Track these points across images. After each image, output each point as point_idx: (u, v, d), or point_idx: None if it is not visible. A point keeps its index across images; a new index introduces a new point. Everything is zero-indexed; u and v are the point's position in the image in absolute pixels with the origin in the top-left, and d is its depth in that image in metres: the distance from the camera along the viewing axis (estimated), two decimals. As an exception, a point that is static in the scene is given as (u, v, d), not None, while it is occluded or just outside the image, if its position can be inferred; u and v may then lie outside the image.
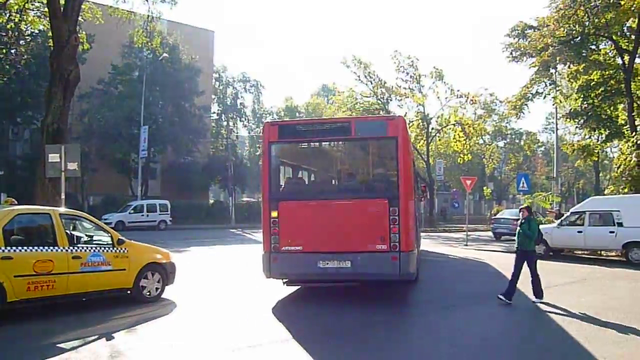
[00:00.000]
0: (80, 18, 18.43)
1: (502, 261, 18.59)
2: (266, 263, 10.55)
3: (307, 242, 10.40)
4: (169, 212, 37.09)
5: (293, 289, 11.49)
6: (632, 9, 22.75)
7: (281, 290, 11.20)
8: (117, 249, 9.68)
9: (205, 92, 49.16)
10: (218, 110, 60.35)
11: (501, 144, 68.34)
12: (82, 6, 18.23)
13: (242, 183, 53.31)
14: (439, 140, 56.35)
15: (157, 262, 10.47)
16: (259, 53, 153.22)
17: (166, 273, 10.57)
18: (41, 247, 8.54)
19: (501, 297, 10.11)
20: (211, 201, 54.24)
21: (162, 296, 10.46)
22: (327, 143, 12.08)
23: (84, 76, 19.29)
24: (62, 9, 16.59)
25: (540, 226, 21.73)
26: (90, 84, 38.40)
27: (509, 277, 10.30)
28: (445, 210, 59.11)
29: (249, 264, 17.46)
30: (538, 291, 10.41)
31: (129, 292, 9.97)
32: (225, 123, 59.77)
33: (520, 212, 10.91)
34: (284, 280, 11.09)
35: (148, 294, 10.17)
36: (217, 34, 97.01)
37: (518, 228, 10.53)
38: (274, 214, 10.50)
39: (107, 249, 9.55)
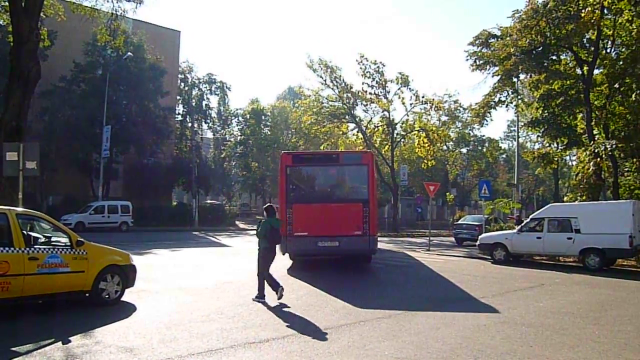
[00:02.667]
0: (42, 14, 18.02)
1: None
2: (283, 244, 15.11)
3: (310, 229, 16.06)
4: (130, 213, 36.49)
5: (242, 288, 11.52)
6: (592, 21, 23.36)
7: (236, 296, 11.16)
8: (76, 250, 9.46)
9: (170, 92, 48.45)
10: (183, 111, 59.67)
11: (464, 150, 69.29)
12: (44, 2, 17.83)
13: (206, 185, 52.70)
14: (404, 145, 56.90)
15: (117, 264, 10.27)
16: (226, 55, 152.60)
17: (126, 275, 10.39)
18: (-4, 248, 8.28)
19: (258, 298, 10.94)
20: (174, 203, 53.55)
21: (122, 299, 10.29)
22: (324, 167, 18.01)
23: (45, 73, 18.89)
24: (23, 4, 16.20)
25: (501, 232, 22.33)
26: (51, 82, 37.53)
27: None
28: (421, 214, 58.73)
29: (210, 267, 17.38)
30: (259, 290, 11.01)
31: (87, 294, 9.77)
32: (190, 124, 59.15)
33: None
34: (296, 254, 17.46)
35: (107, 296, 9.97)
36: (184, 34, 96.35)
37: None
38: (289, 211, 16.27)
39: (65, 250, 9.33)
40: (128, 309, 9.74)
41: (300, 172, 18.06)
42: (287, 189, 16.92)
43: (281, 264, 17.69)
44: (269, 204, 12.68)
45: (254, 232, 11.73)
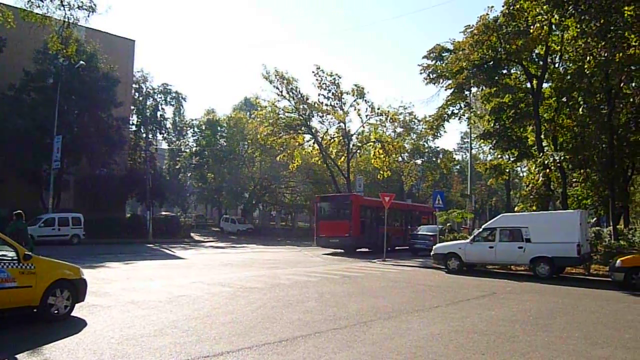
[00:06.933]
0: (-10, 21, 17.53)
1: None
2: (315, 240, 33.84)
3: (326, 233, 32.44)
4: (82, 226, 35.63)
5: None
6: (540, 37, 24.12)
7: (190, 309, 10.99)
8: (23, 264, 9.16)
9: (124, 102, 47.52)
10: (137, 121, 58.64)
11: (419, 161, 70.27)
12: (-8, 9, 17.35)
13: (160, 197, 51.77)
14: (360, 156, 57.39)
15: (66, 278, 9.99)
16: (181, 65, 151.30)
17: (76, 290, 10.11)
18: (-62, 263, 7.97)
19: None
20: (128, 215, 52.50)
21: (72, 314, 10.01)
22: (331, 201, 35.40)
23: (-8, 82, 18.34)
24: (-30, 10, 15.73)
25: (455, 242, 22.69)
26: (0, 90, 36.42)
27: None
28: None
29: (164, 280, 17.07)
30: None
31: (35, 310, 9.48)
32: (144, 135, 58.21)
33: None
34: (321, 246, 33.31)
35: (56, 312, 9.68)
36: (138, 43, 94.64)
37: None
38: (317, 224, 34.26)
39: (12, 264, 9.02)
40: (78, 325, 9.47)
41: (322, 205, 34.85)
42: (316, 213, 35.43)
43: (233, 275, 17.59)
44: (19, 210, 15.10)
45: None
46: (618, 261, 16.56)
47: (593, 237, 24.02)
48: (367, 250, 32.70)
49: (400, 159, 60.68)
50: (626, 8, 18.74)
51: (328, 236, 32.25)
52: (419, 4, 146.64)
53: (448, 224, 28.86)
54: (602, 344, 8.64)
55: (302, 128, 46.82)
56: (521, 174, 58.23)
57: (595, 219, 37.13)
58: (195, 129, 65.84)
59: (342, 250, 32.62)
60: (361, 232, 32.08)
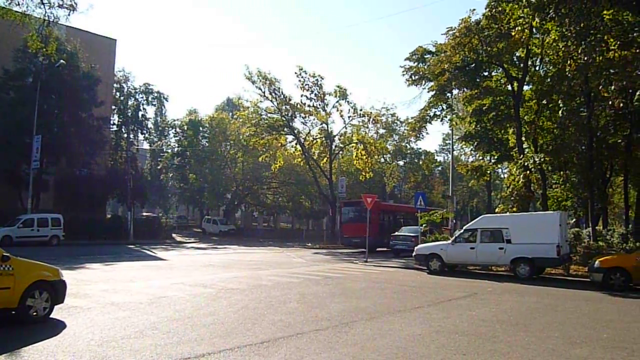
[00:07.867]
0: (-33, 19, 17.29)
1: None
2: (341, 240, 41.54)
3: (349, 234, 38.40)
4: (62, 226, 35.20)
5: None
6: (522, 40, 24.33)
7: (171, 311, 10.92)
8: (1, 265, 9.03)
9: (105, 102, 46.99)
10: (118, 121, 58.08)
11: (401, 163, 70.54)
12: (-30, 6, 17.12)
13: (141, 197, 51.34)
14: (342, 157, 57.46)
15: (45, 279, 9.85)
16: (163, 65, 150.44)
17: (55, 291, 9.98)
18: None
19: None
20: (108, 216, 52.01)
21: (51, 316, 9.88)
22: (353, 207, 39.51)
23: (-30, 81, 18.10)
24: (-53, 8, 15.50)
25: (436, 243, 22.81)
26: (-23, 89, 35.89)
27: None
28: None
29: (145, 281, 16.94)
30: None
31: (13, 312, 9.35)
32: (125, 135, 57.68)
33: None
34: (346, 244, 39.65)
35: (35, 314, 9.55)
36: (120, 43, 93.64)
37: None
38: (342, 226, 42.13)
39: (-11, 266, 8.90)
40: (57, 327, 9.35)
41: (346, 210, 40.79)
42: (341, 217, 41.63)
43: (214, 276, 17.53)
44: None
45: None
46: (597, 262, 16.79)
47: (572, 238, 24.27)
48: (386, 249, 35.79)
49: (382, 160, 60.96)
50: (605, 12, 18.97)
51: (351, 237, 37.70)
52: (393, 8, 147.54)
53: (425, 226, 29.05)
54: (580, 343, 8.74)
55: (285, 129, 46.80)
56: (502, 176, 58.87)
57: (574, 220, 37.56)
58: (177, 129, 65.41)
59: (364, 250, 34.03)
60: (380, 233, 36.27)
